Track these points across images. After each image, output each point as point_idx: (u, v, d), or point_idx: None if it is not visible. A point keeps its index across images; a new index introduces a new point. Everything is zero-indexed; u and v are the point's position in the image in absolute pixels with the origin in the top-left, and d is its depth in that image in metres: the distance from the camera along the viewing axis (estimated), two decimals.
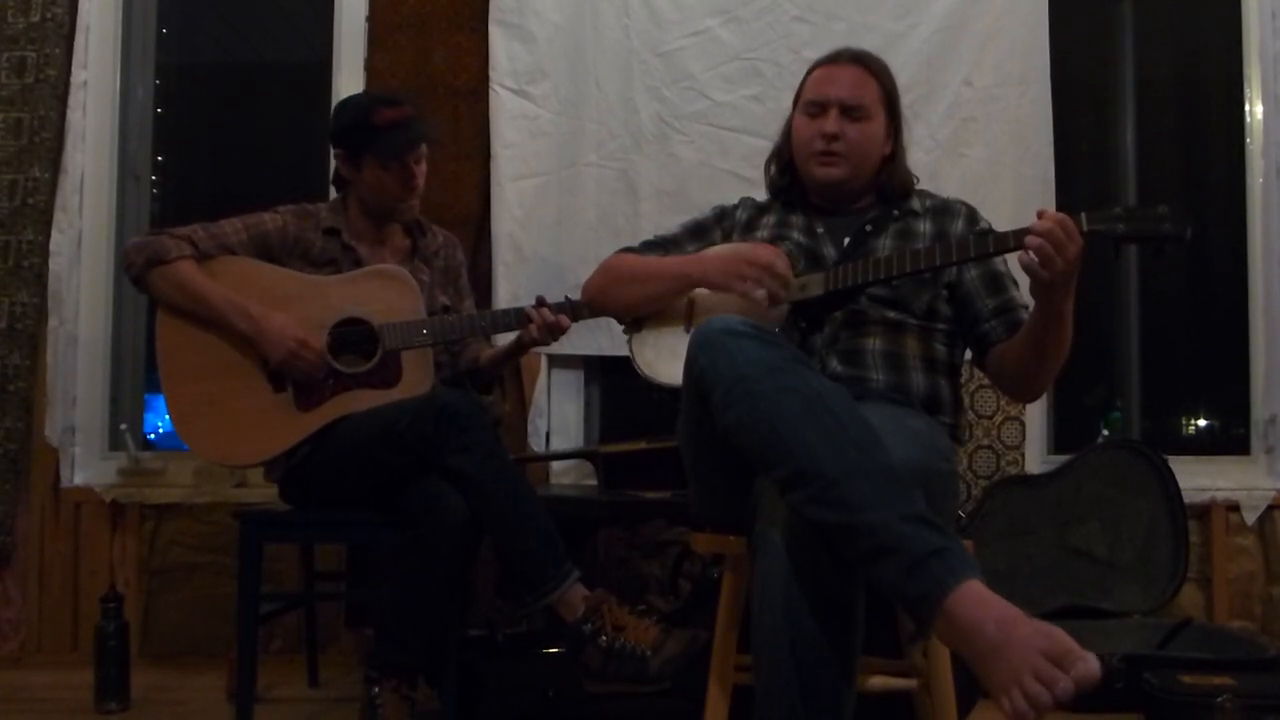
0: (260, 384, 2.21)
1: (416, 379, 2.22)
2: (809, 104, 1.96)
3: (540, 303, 2.26)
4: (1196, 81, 3.27)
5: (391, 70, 2.96)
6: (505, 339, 2.42)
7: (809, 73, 2.01)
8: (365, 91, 2.48)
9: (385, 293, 2.25)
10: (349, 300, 2.24)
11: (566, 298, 2.27)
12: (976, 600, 1.20)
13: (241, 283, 2.22)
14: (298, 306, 2.22)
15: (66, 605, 2.95)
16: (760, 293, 1.83)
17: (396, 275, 2.28)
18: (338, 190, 2.41)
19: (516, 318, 2.28)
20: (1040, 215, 1.59)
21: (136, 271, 2.20)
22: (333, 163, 2.40)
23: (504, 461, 2.06)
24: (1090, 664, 1.13)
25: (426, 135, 2.36)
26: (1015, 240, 1.66)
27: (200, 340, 2.21)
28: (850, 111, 1.92)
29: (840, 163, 1.92)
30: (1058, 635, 1.15)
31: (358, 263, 2.31)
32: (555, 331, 2.25)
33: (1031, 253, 1.57)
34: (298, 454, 2.20)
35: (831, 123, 1.91)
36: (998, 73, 2.82)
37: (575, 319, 2.27)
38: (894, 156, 1.98)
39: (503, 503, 2.01)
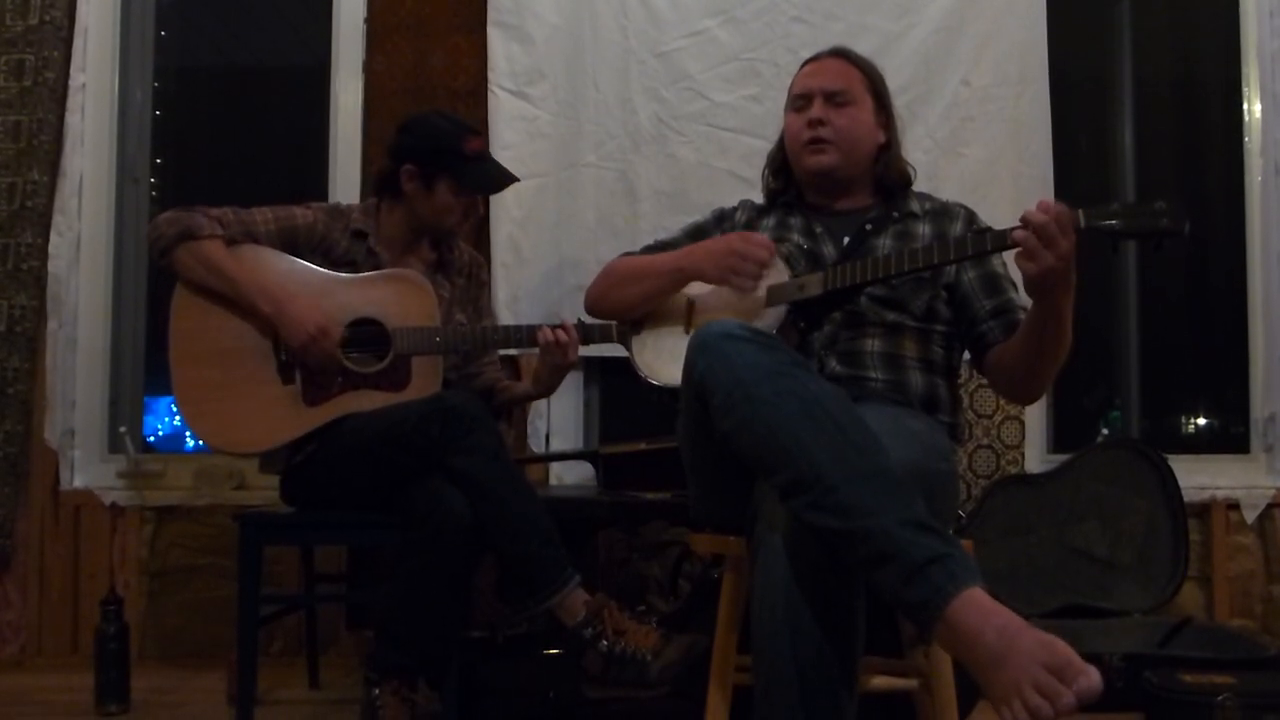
0: (269, 374, 2.20)
1: (424, 385, 2.22)
2: (795, 99, 1.98)
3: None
4: (1195, 81, 3.26)
5: (390, 72, 2.96)
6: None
7: (795, 76, 2.03)
8: (441, 112, 2.43)
9: (402, 297, 2.25)
10: (365, 300, 2.24)
11: (579, 319, 2.27)
12: (977, 608, 1.20)
13: (259, 272, 2.21)
14: (314, 301, 2.21)
15: (67, 608, 2.95)
16: (760, 293, 1.84)
17: (414, 281, 2.27)
18: (379, 196, 2.37)
19: (528, 334, 2.28)
20: (1038, 205, 1.54)
21: (166, 243, 2.17)
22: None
23: (508, 464, 2.06)
24: (1092, 678, 1.12)
25: (512, 177, 2.38)
26: (1012, 238, 1.62)
27: (214, 325, 2.20)
28: (834, 98, 1.93)
29: (829, 149, 1.92)
30: (1059, 647, 1.14)
31: (378, 268, 2.29)
32: (561, 363, 2.27)
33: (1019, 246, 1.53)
34: (302, 452, 2.20)
35: (816, 110, 1.92)
36: (996, 73, 2.81)
37: (586, 342, 2.27)
38: (889, 146, 1.98)
39: (505, 505, 2.01)
